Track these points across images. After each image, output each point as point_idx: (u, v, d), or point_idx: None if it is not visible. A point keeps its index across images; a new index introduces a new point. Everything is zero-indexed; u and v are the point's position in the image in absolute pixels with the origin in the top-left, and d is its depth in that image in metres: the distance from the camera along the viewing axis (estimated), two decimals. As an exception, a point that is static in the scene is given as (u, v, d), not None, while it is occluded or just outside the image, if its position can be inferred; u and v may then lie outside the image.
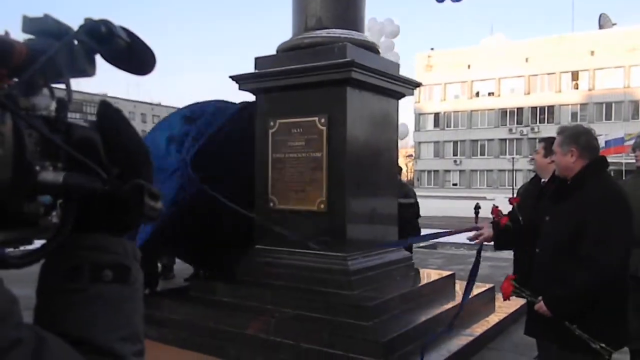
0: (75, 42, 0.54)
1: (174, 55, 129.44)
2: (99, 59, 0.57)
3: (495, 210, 3.33)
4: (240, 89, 4.69)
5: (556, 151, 2.71)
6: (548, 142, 3.46)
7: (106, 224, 0.57)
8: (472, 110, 53.45)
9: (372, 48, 4.56)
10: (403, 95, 4.96)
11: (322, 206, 4.37)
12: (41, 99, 0.52)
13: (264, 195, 4.61)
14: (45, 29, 0.53)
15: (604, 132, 29.18)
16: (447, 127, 55.07)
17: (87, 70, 0.55)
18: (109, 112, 0.58)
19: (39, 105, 0.52)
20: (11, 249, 0.53)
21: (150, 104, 74.54)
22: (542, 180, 3.57)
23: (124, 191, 0.54)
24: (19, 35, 0.53)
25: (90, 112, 65.85)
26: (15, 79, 0.51)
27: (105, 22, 0.55)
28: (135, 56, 0.58)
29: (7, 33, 0.52)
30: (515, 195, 4.29)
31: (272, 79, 4.51)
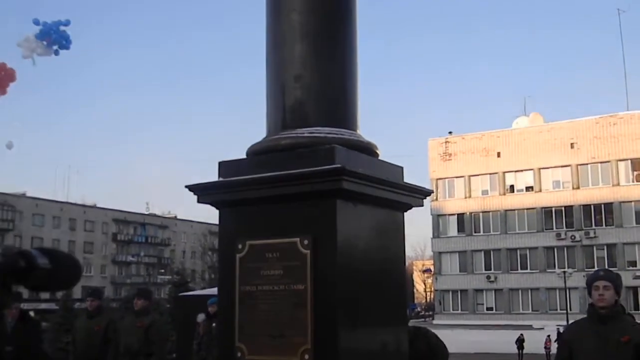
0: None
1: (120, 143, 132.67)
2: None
3: None
4: (199, 201, 4.81)
5: None
6: None
7: None
8: (506, 210, 54.19)
9: (367, 150, 4.75)
10: (410, 207, 5.10)
11: (307, 357, 4.34)
12: None
13: (228, 342, 4.58)
14: None
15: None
16: (474, 232, 55.52)
17: (1, 305, 0.65)
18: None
19: None
20: None
21: (83, 205, 74.86)
22: None
23: None
24: None
25: (1, 217, 66.01)
26: None
27: (25, 255, 0.65)
28: (58, 277, 0.67)
29: None
30: (562, 333, 4.33)
31: (240, 190, 4.63)
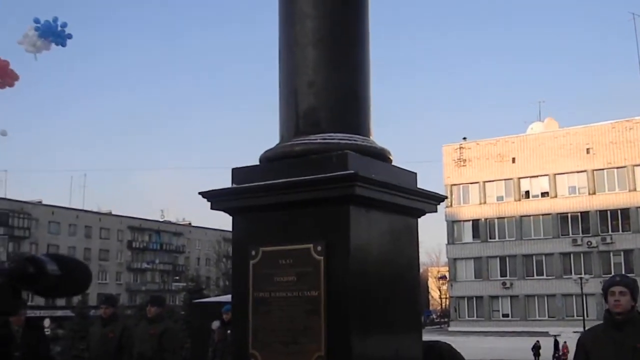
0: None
1: (133, 150, 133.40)
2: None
3: None
4: (212, 208, 4.82)
5: None
6: None
7: None
8: (521, 216, 53.93)
9: (381, 156, 4.74)
10: (423, 213, 5.09)
11: (321, 363, 4.33)
12: None
13: (242, 349, 4.58)
14: None
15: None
16: (490, 238, 55.28)
17: (10, 310, 0.65)
18: None
19: None
20: None
21: (98, 213, 75.30)
22: None
23: None
24: None
25: (18, 225, 66.53)
26: None
27: (34, 261, 0.65)
28: (67, 284, 0.68)
29: None
30: (578, 339, 4.27)
31: (253, 196, 4.63)
